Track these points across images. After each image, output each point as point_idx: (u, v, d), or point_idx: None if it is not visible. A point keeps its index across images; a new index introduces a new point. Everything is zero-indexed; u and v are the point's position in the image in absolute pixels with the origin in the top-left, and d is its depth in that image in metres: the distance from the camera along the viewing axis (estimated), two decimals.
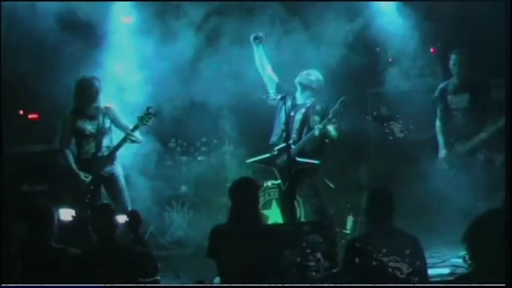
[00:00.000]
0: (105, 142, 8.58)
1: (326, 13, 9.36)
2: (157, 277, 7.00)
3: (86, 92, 8.52)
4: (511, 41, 6.71)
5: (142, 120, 8.46)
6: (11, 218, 6.46)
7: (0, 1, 7.99)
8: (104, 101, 8.71)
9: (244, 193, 6.47)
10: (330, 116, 8.32)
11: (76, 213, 8.57)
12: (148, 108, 8.52)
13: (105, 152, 8.55)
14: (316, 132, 8.36)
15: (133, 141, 8.57)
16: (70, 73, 9.41)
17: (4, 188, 7.31)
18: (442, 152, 8.71)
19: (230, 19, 9.75)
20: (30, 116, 10.59)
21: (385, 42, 9.89)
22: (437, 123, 8.80)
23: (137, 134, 8.57)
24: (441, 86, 8.87)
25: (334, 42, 9.25)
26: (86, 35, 9.46)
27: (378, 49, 10.28)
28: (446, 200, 8.62)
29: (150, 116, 8.48)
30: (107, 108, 8.60)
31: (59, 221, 6.61)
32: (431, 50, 10.34)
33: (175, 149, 10.58)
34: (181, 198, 10.34)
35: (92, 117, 8.55)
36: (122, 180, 8.63)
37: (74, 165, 8.54)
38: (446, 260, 7.77)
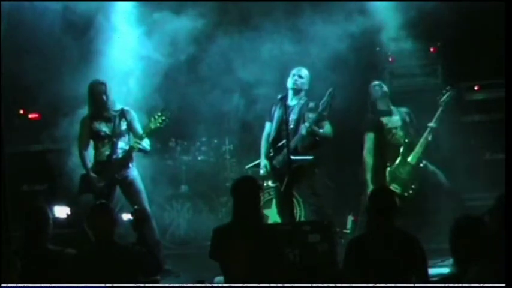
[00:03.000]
0: (121, 145, 8.53)
1: (326, 12, 9.35)
2: (158, 277, 7.00)
3: (95, 97, 8.53)
4: (510, 41, 6.71)
5: (154, 122, 8.38)
6: (11, 218, 6.44)
7: (0, 1, 7.97)
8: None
9: (247, 192, 6.42)
10: (320, 108, 8.41)
11: (73, 213, 8.56)
12: (162, 110, 8.43)
13: (120, 155, 8.50)
14: (303, 131, 8.47)
15: (140, 150, 8.50)
16: (70, 72, 9.43)
17: (4, 188, 7.30)
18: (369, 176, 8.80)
19: (230, 18, 9.78)
20: (30, 116, 10.60)
21: (385, 41, 9.88)
22: (370, 154, 8.86)
23: (146, 142, 8.47)
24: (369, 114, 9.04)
25: (335, 41, 9.24)
26: (86, 33, 9.47)
27: (377, 49, 10.27)
28: (447, 199, 8.63)
29: (164, 119, 8.37)
30: (124, 110, 8.57)
31: (56, 221, 6.59)
32: (432, 50, 10.32)
33: (175, 149, 10.59)
34: (181, 198, 10.34)
35: (108, 119, 8.54)
36: (138, 183, 8.54)
37: (88, 169, 8.53)
38: (446, 260, 7.75)
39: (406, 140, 8.84)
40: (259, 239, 6.23)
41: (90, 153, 8.65)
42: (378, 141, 8.88)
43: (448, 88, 8.86)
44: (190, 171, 10.53)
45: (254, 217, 6.39)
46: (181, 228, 10.24)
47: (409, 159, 8.78)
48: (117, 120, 8.53)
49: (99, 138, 8.57)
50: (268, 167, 8.81)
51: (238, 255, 6.15)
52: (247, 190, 6.43)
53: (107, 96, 8.51)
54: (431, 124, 8.74)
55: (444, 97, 8.75)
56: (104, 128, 8.56)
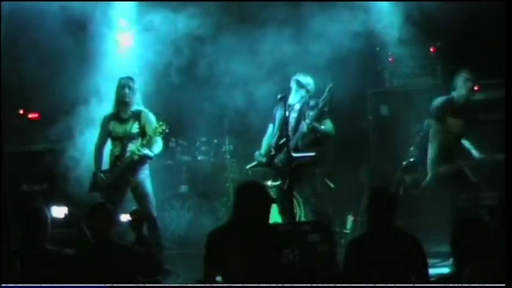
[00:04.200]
0: (131, 147, 8.48)
1: (327, 12, 9.35)
2: (158, 277, 7.00)
3: (118, 93, 8.53)
4: (510, 41, 6.71)
5: (155, 132, 8.38)
6: (11, 218, 6.44)
7: (0, 1, 7.97)
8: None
9: (257, 200, 6.30)
10: (320, 104, 8.41)
11: (72, 213, 8.57)
12: (163, 120, 8.41)
13: (128, 157, 8.48)
14: (304, 128, 8.48)
15: (141, 157, 8.46)
16: (70, 72, 9.44)
17: (4, 188, 7.30)
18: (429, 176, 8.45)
19: (231, 18, 9.79)
20: (30, 116, 10.60)
21: (385, 41, 9.89)
22: (432, 143, 8.46)
23: (155, 147, 8.48)
24: (440, 102, 8.56)
25: (335, 41, 9.25)
26: (85, 33, 9.47)
27: (377, 49, 10.28)
28: (447, 200, 8.62)
29: (164, 128, 8.34)
30: (141, 113, 8.54)
31: (54, 221, 6.58)
32: (431, 50, 10.34)
33: (176, 149, 10.59)
34: (181, 198, 10.35)
35: (123, 120, 8.54)
36: (145, 186, 8.50)
37: (96, 167, 8.57)
38: (446, 260, 7.76)
39: (451, 149, 8.57)
40: (260, 239, 6.20)
41: (107, 152, 8.67)
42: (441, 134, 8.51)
43: None
44: (190, 171, 10.53)
45: (256, 219, 6.33)
46: (181, 228, 10.24)
47: (440, 169, 8.56)
48: (131, 122, 8.52)
49: (112, 139, 8.60)
50: (263, 156, 8.82)
51: (238, 256, 6.11)
52: (257, 195, 6.31)
53: (131, 94, 8.48)
54: (481, 157, 8.54)
55: None
56: (118, 129, 8.55)
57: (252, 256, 5.99)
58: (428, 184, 8.48)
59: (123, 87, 8.51)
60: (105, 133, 8.63)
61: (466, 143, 8.61)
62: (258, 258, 5.99)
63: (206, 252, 6.05)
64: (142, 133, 8.51)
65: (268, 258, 6.03)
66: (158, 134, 8.39)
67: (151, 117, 8.56)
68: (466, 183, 8.49)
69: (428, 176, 8.47)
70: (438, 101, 8.59)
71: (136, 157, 8.44)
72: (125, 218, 7.31)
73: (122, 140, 8.52)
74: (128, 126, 8.51)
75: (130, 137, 8.50)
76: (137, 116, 8.52)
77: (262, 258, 5.99)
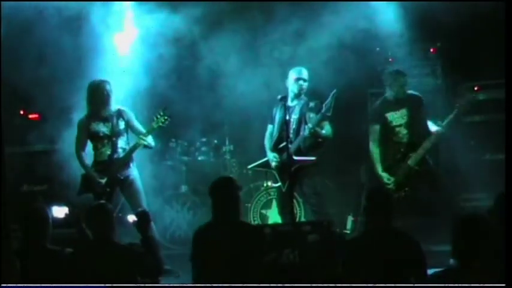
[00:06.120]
0: (121, 144, 8.57)
1: (326, 12, 9.36)
2: (159, 278, 6.99)
3: (97, 95, 8.54)
4: (510, 41, 6.72)
5: (157, 121, 8.44)
6: (11, 218, 6.44)
7: (0, 1, 7.98)
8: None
9: (225, 192, 6.35)
10: (323, 109, 8.40)
11: (72, 213, 8.57)
12: (163, 109, 8.48)
13: (120, 154, 8.55)
14: (306, 132, 8.48)
15: (145, 146, 8.57)
16: (70, 73, 9.44)
17: (4, 188, 7.31)
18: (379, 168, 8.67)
19: (230, 18, 9.80)
20: (30, 116, 10.61)
21: (385, 42, 9.89)
22: (375, 145, 8.70)
23: (150, 138, 8.56)
24: (374, 106, 8.94)
25: (335, 41, 9.25)
26: (82, 33, 9.49)
27: (377, 49, 10.28)
28: (446, 200, 8.63)
29: (166, 118, 8.44)
30: (120, 110, 8.60)
31: (55, 221, 6.58)
32: (431, 50, 10.34)
33: (176, 149, 10.60)
34: (181, 198, 10.36)
35: (106, 120, 8.56)
36: (138, 183, 8.59)
37: (89, 169, 8.58)
38: (445, 260, 7.76)
39: (408, 141, 8.69)
40: (240, 239, 6.19)
41: (88, 153, 8.65)
42: (381, 135, 8.70)
43: (467, 94, 8.83)
44: (190, 171, 10.54)
45: (234, 217, 6.33)
46: (181, 228, 10.25)
47: (408, 162, 8.64)
48: (114, 119, 8.56)
49: (98, 139, 8.59)
50: (277, 157, 8.76)
51: (219, 255, 6.10)
52: (227, 190, 6.37)
53: (109, 94, 8.53)
54: (439, 129, 8.55)
55: (461, 101, 8.59)
56: (103, 128, 8.58)
57: (231, 254, 6.01)
58: (401, 180, 8.58)
59: (102, 92, 8.52)
60: (85, 135, 8.64)
61: (427, 124, 8.65)
62: (237, 256, 6.01)
63: (192, 251, 6.13)
64: (127, 128, 8.60)
65: (248, 256, 6.04)
66: (161, 123, 8.45)
67: (131, 113, 8.67)
68: (430, 176, 8.60)
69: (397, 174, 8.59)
70: (373, 106, 8.90)
71: (141, 146, 8.51)
72: (130, 219, 7.26)
73: (110, 138, 8.56)
74: (113, 124, 8.55)
75: (118, 134, 8.56)
76: (119, 113, 8.59)
77: (241, 255, 6.01)
